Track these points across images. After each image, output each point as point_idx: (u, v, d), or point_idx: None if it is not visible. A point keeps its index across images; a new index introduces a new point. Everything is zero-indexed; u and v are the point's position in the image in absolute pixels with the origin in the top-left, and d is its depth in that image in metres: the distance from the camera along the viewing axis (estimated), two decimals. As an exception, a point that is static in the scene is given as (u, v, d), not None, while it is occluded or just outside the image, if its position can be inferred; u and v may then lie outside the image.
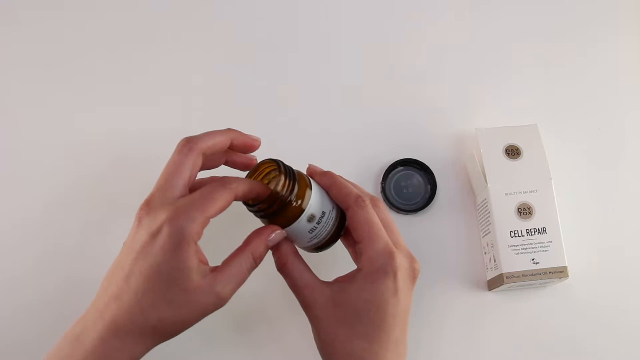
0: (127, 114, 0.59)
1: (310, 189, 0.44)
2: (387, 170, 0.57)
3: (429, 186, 0.57)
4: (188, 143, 0.41)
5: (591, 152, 0.59)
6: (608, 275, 0.55)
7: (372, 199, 0.45)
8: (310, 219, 0.43)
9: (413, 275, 0.44)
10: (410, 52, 0.62)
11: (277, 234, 0.43)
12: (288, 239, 0.44)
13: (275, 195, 0.41)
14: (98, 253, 0.54)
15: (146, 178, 0.56)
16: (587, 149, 0.59)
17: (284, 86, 0.60)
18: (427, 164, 0.57)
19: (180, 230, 0.37)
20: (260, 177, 0.44)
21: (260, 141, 0.45)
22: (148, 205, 0.39)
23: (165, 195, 0.39)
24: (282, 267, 0.44)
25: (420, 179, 0.57)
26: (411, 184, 0.57)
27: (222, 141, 0.43)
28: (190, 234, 0.37)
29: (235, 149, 0.44)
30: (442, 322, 0.53)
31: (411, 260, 0.44)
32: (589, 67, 0.62)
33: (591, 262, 0.55)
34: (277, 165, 0.43)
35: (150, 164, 0.57)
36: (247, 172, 0.45)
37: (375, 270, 0.42)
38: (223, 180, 0.40)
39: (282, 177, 0.42)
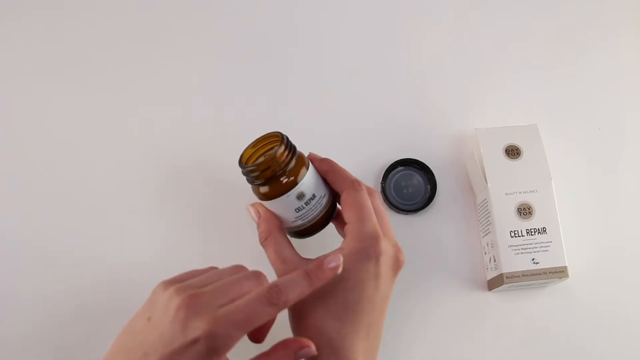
0: (128, 115, 0.59)
1: (307, 169, 0.45)
2: (387, 170, 0.57)
3: (429, 186, 0.57)
4: (272, 294, 0.37)
5: (591, 152, 0.59)
6: (608, 275, 0.55)
7: (369, 188, 0.46)
8: (300, 196, 0.44)
9: (397, 264, 0.44)
10: (411, 52, 0.62)
11: (305, 351, 0.38)
12: (274, 214, 0.45)
13: (271, 161, 0.43)
14: (94, 258, 0.54)
15: (147, 178, 0.57)
16: (587, 149, 0.59)
17: (284, 86, 0.60)
18: (427, 164, 0.57)
19: (216, 346, 0.35)
20: (265, 149, 0.46)
21: None
22: (193, 303, 0.36)
23: (212, 301, 0.37)
24: (264, 240, 0.45)
25: (420, 179, 0.57)
26: (411, 184, 0.57)
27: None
28: (224, 350, 0.36)
29: None
30: (442, 322, 0.53)
31: (397, 250, 0.44)
32: (589, 67, 0.62)
33: (591, 262, 0.55)
34: (280, 137, 0.44)
35: (149, 166, 0.57)
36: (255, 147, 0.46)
37: (357, 251, 0.42)
38: (270, 292, 0.37)
39: (282, 147, 0.43)
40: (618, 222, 0.57)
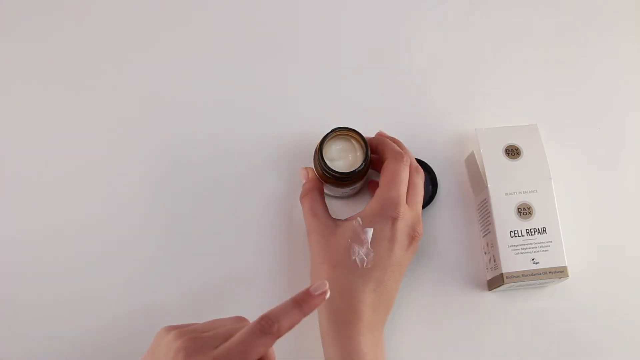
0: (128, 115, 0.59)
1: (367, 168, 0.50)
2: (387, 170, 0.57)
3: (430, 186, 0.57)
4: (263, 324, 0.37)
5: (591, 152, 0.59)
6: (608, 275, 0.55)
7: (414, 164, 0.50)
8: (354, 188, 0.50)
9: (412, 234, 0.47)
10: (411, 53, 0.62)
11: None
12: (320, 181, 0.51)
13: (354, 175, 0.48)
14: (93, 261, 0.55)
15: (148, 179, 0.57)
16: (587, 149, 0.59)
17: (285, 86, 0.60)
18: (427, 163, 0.57)
19: None
20: (342, 133, 0.50)
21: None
22: (191, 345, 0.37)
23: (209, 343, 0.37)
24: (304, 196, 0.51)
25: (420, 179, 0.57)
26: (411, 184, 0.57)
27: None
28: None
29: None
30: (442, 322, 0.53)
31: (417, 221, 0.48)
32: (589, 68, 0.62)
33: (591, 262, 0.55)
34: (365, 148, 0.49)
35: (149, 167, 0.57)
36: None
37: (377, 212, 0.46)
38: (260, 323, 0.37)
39: (364, 165, 0.48)
40: (618, 222, 0.57)
